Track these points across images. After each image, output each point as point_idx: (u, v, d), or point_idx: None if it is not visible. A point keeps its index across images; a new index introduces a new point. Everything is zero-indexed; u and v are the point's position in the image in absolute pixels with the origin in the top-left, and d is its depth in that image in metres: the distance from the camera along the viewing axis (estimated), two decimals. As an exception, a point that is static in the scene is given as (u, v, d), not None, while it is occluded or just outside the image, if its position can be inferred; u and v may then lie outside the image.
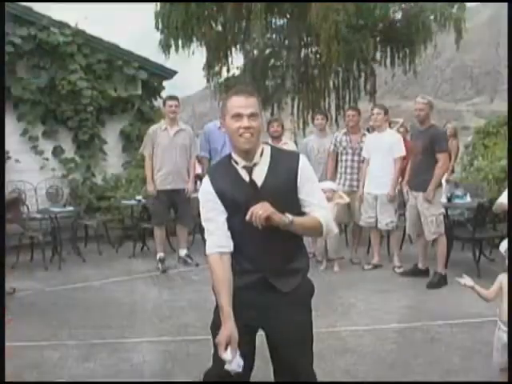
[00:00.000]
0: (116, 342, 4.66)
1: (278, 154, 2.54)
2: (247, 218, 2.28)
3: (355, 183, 7.07)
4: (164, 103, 7.12)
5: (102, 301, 5.82)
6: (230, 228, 2.50)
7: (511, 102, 4.78)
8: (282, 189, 2.45)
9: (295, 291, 2.57)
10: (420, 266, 6.45)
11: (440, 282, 6.05)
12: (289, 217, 2.35)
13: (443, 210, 6.27)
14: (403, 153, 6.70)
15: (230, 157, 2.54)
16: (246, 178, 2.47)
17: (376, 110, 6.85)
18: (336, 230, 3.10)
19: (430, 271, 6.36)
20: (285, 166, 2.49)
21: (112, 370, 4.12)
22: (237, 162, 2.49)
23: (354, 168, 7.10)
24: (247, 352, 2.55)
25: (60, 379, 3.97)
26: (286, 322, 2.57)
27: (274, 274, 2.53)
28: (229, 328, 2.39)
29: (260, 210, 2.26)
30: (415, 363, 4.11)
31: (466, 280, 3.37)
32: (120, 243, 8.27)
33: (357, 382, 3.84)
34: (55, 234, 7.50)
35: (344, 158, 7.16)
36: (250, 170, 2.47)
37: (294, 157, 2.54)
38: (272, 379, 2.81)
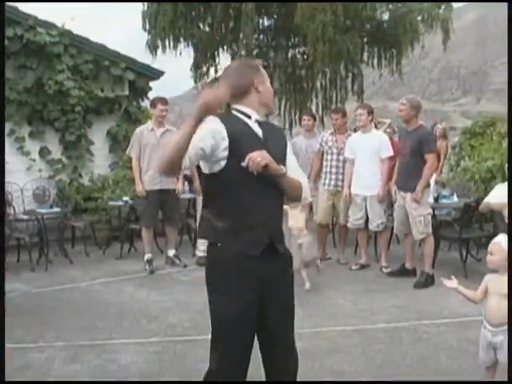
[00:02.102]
0: (103, 343, 4.64)
1: (268, 123, 2.87)
2: (244, 163, 2.41)
3: (340, 183, 7.09)
4: (153, 105, 7.01)
5: (89, 302, 5.80)
6: (230, 178, 2.53)
7: (511, 102, 4.79)
8: (278, 150, 2.68)
9: (287, 259, 2.76)
10: (407, 265, 6.49)
11: (427, 281, 6.09)
12: (283, 168, 2.57)
13: (431, 211, 6.30)
14: (390, 153, 6.74)
15: (236, 110, 2.67)
16: (257, 130, 2.65)
17: (359, 111, 6.86)
18: (310, 199, 3.34)
19: (417, 271, 6.39)
20: (278, 133, 2.85)
21: (99, 371, 4.10)
22: (249, 116, 2.66)
23: (339, 168, 7.11)
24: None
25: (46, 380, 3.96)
26: (285, 293, 2.73)
27: (274, 233, 2.66)
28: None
29: (259, 157, 2.41)
30: (403, 363, 4.14)
31: (452, 282, 3.41)
32: (107, 244, 8.24)
33: (347, 381, 3.85)
34: (42, 235, 7.46)
35: (329, 157, 7.18)
36: (260, 124, 2.67)
37: (281, 130, 3.04)
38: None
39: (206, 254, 2.70)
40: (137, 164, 6.99)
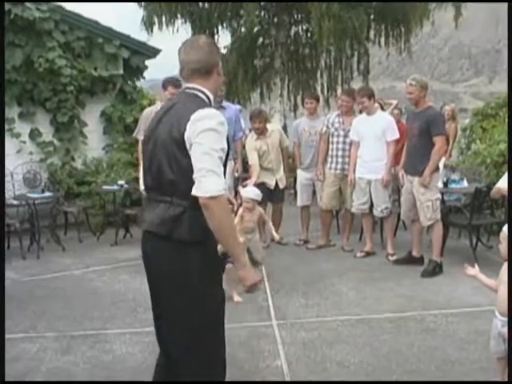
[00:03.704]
0: (97, 333, 4.66)
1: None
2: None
3: (347, 167, 7.06)
4: (164, 87, 6.70)
5: (82, 291, 5.82)
6: None
7: (511, 102, 4.76)
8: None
9: None
10: (414, 253, 6.48)
11: (435, 270, 6.09)
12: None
13: (439, 196, 6.29)
14: (397, 136, 6.71)
15: (201, 92, 2.64)
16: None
17: (359, 99, 6.83)
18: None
19: (424, 259, 6.38)
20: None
21: (93, 362, 4.13)
22: (209, 100, 2.65)
23: (345, 151, 7.08)
24: None
25: (38, 372, 3.97)
26: None
27: None
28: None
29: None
30: (409, 353, 4.14)
31: (471, 269, 3.41)
32: (101, 230, 8.24)
33: (350, 381, 3.87)
34: (33, 221, 7.46)
35: (335, 139, 7.15)
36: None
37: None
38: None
39: None
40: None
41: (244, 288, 2.52)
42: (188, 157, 2.40)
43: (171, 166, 2.46)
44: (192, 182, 2.35)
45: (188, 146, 2.40)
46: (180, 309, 2.54)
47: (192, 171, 2.36)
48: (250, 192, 5.93)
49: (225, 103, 7.19)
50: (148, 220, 2.60)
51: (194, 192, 2.33)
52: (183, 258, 2.47)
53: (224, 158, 2.45)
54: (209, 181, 2.31)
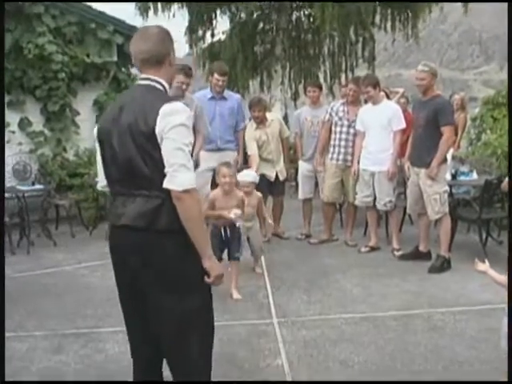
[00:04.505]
0: (90, 331, 4.67)
1: None
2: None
3: (349, 157, 7.06)
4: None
5: (74, 287, 5.82)
6: None
7: (511, 101, 4.72)
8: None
9: None
10: (421, 248, 6.48)
11: (443, 265, 6.09)
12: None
13: (447, 188, 6.28)
14: (403, 125, 6.69)
15: (157, 82, 2.73)
16: None
17: (364, 89, 6.80)
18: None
19: (432, 254, 6.39)
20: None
21: (86, 362, 4.13)
22: (165, 90, 2.78)
23: (348, 141, 7.08)
24: None
25: (28, 373, 3.97)
26: None
27: None
28: None
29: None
30: (416, 353, 4.14)
31: (482, 265, 3.39)
32: (94, 224, 8.24)
33: (354, 381, 3.87)
34: (23, 214, 7.46)
35: (339, 129, 7.14)
36: None
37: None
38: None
39: None
40: None
41: (208, 280, 2.61)
42: (159, 150, 2.51)
43: (144, 160, 2.55)
44: (165, 175, 2.50)
45: (159, 140, 2.51)
46: (171, 298, 2.62)
47: (163, 164, 2.50)
48: (248, 175, 5.92)
49: (226, 93, 7.16)
50: (126, 214, 2.66)
51: (167, 185, 2.47)
52: (164, 247, 2.59)
53: (191, 150, 2.59)
54: (182, 175, 2.47)
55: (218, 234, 5.44)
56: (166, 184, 2.48)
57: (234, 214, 5.21)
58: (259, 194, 6.01)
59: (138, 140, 2.54)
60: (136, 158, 2.56)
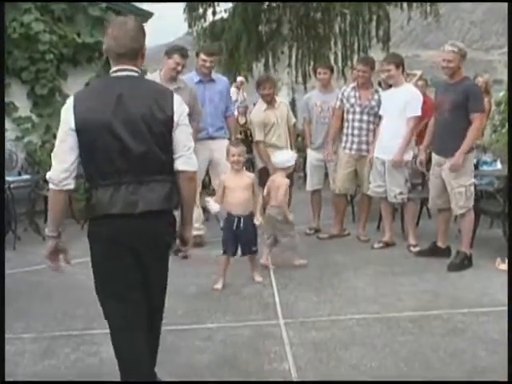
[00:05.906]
0: (82, 333, 4.67)
1: None
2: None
3: (364, 147, 7.04)
4: (169, 54, 6.44)
5: (64, 286, 5.80)
6: None
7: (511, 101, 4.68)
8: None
9: None
10: (440, 244, 6.45)
11: (463, 263, 6.06)
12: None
13: (474, 180, 6.17)
14: (418, 112, 6.62)
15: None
16: None
17: (385, 66, 6.73)
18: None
19: (451, 250, 6.37)
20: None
21: (78, 366, 4.13)
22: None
23: (362, 129, 7.06)
24: None
25: (15, 379, 3.97)
26: None
27: None
28: None
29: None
30: (434, 357, 4.14)
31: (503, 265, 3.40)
32: (86, 218, 8.22)
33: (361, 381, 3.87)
34: (9, 207, 7.46)
35: (351, 116, 7.11)
36: None
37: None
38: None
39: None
40: None
41: (186, 247, 3.39)
42: (171, 135, 3.00)
43: (160, 147, 2.97)
44: (172, 158, 3.04)
45: (174, 125, 2.99)
46: (165, 266, 3.37)
47: (172, 148, 3.03)
48: (289, 160, 6.27)
49: (214, 75, 7.13)
50: (145, 200, 2.99)
51: (184, 167, 3.03)
52: (168, 224, 3.18)
53: None
54: (194, 157, 3.10)
55: (230, 227, 5.50)
56: (182, 166, 3.02)
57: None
58: (287, 180, 6.22)
59: (154, 128, 2.93)
60: (153, 147, 2.94)
